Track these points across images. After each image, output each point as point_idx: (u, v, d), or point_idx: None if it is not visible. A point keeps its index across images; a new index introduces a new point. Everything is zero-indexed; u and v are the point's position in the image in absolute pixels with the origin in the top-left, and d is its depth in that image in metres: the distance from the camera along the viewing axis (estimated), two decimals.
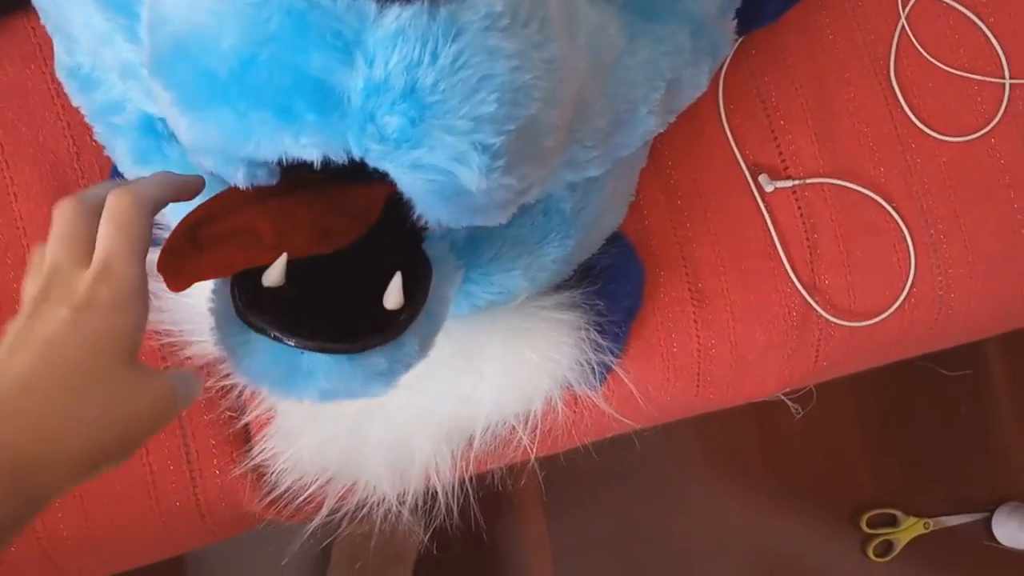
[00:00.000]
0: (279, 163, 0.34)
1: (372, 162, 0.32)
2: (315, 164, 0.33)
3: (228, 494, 0.61)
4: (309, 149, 0.32)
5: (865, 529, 1.23)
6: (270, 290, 0.36)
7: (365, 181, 0.38)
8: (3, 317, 0.56)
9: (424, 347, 0.38)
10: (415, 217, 0.35)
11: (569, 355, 0.53)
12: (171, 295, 0.51)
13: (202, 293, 0.45)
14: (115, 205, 0.35)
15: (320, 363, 0.36)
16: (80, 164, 0.58)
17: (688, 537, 1.20)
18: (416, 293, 0.37)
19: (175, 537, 0.63)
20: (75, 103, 0.48)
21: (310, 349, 0.35)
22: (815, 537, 1.24)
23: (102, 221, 0.35)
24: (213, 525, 0.63)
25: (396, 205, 0.36)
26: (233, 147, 0.32)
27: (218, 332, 0.37)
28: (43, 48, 0.60)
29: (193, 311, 0.51)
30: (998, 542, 1.25)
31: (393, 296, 0.36)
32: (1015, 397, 1.29)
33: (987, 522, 1.25)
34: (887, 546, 1.23)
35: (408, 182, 0.33)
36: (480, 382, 0.52)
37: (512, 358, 0.52)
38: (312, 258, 0.36)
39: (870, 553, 1.23)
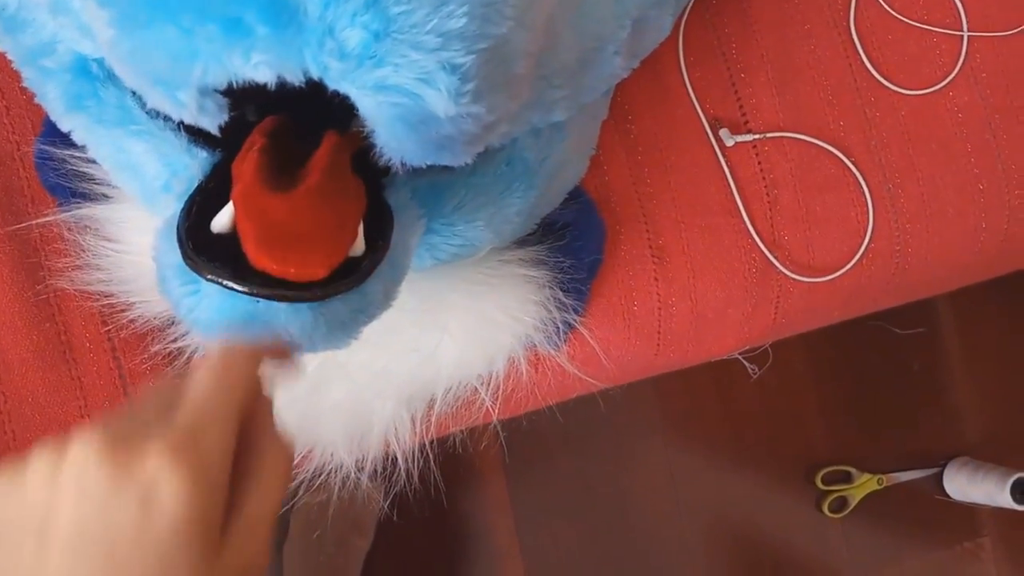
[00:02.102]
0: (230, 92, 0.31)
1: (331, 83, 0.30)
2: (269, 86, 0.30)
3: None
4: (261, 68, 0.29)
5: (820, 486, 1.25)
6: (222, 238, 0.33)
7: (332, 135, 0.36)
8: None
9: (388, 296, 0.36)
10: (375, 158, 0.33)
11: (533, 313, 0.52)
12: (111, 253, 0.48)
13: (146, 250, 0.43)
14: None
15: (278, 313, 0.34)
16: (10, 118, 0.55)
17: (647, 498, 1.20)
18: (378, 240, 0.35)
19: None
20: (0, 48, 0.44)
21: (267, 297, 0.33)
22: (772, 495, 1.25)
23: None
24: None
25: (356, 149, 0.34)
26: (179, 72, 0.30)
27: (164, 283, 0.34)
28: None
29: (137, 269, 0.48)
30: (948, 496, 1.28)
31: (356, 242, 0.34)
32: (966, 355, 1.32)
33: (938, 477, 1.28)
34: (841, 502, 1.26)
35: (370, 106, 0.30)
36: (443, 337, 0.51)
37: (476, 315, 0.51)
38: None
39: (825, 509, 1.25)
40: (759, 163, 0.67)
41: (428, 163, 0.34)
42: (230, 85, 0.31)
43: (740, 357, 0.75)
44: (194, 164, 0.39)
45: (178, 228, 0.34)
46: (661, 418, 1.22)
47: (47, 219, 0.51)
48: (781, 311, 0.69)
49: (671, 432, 1.22)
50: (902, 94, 0.70)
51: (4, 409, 0.55)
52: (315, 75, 0.30)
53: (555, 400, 0.67)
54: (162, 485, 0.27)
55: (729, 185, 0.66)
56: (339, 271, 0.34)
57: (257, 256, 0.32)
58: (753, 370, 0.75)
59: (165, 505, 0.27)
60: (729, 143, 0.66)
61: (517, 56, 0.33)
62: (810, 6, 0.69)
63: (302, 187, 0.34)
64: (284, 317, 0.34)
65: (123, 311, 0.52)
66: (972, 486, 1.23)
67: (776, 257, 0.67)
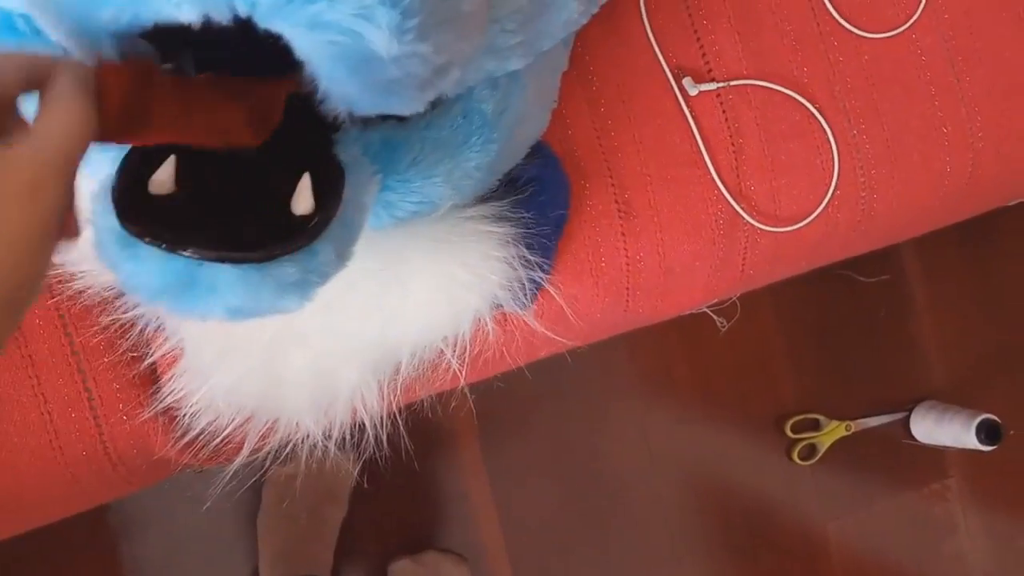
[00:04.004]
0: (156, 40, 0.29)
1: (261, 21, 0.28)
2: (193, 27, 0.28)
3: (138, 440, 0.57)
4: (185, 7, 0.27)
5: (789, 435, 1.26)
6: (161, 199, 0.32)
7: (265, 79, 0.34)
8: None
9: (341, 256, 0.35)
10: (320, 107, 0.31)
11: (499, 271, 0.51)
12: None
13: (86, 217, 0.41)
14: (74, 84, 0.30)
15: (224, 276, 0.32)
16: None
17: (620, 455, 1.21)
18: (328, 198, 0.34)
19: (87, 490, 0.59)
20: None
21: (208, 259, 0.31)
22: (742, 446, 1.26)
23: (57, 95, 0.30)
24: (126, 474, 0.60)
25: (302, 102, 0.33)
26: (94, 18, 0.28)
27: (102, 248, 0.32)
28: None
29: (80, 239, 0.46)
30: (916, 440, 1.30)
31: (302, 200, 0.33)
32: (931, 301, 1.33)
33: (905, 421, 1.30)
34: (811, 449, 1.27)
35: (306, 46, 0.28)
36: (406, 298, 0.49)
37: (439, 273, 0.49)
38: (210, 163, 0.32)
39: (795, 457, 1.26)
40: (723, 112, 0.66)
41: (378, 111, 0.32)
42: (155, 31, 0.29)
43: (708, 310, 0.75)
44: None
45: (113, 190, 0.32)
46: (631, 374, 1.22)
47: None
48: (749, 262, 0.68)
49: (642, 388, 1.22)
50: (865, 37, 0.69)
51: None
52: (243, 13, 0.28)
53: (524, 361, 0.66)
54: None
55: (694, 135, 0.65)
56: (285, 230, 0.32)
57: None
58: (721, 323, 0.75)
59: None
60: (693, 92, 0.64)
61: None
62: None
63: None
64: (229, 280, 0.32)
65: (70, 283, 0.50)
66: (939, 429, 1.25)
67: (743, 208, 0.66)
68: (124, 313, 0.51)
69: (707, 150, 0.65)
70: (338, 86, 0.30)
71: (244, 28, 0.28)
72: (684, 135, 0.65)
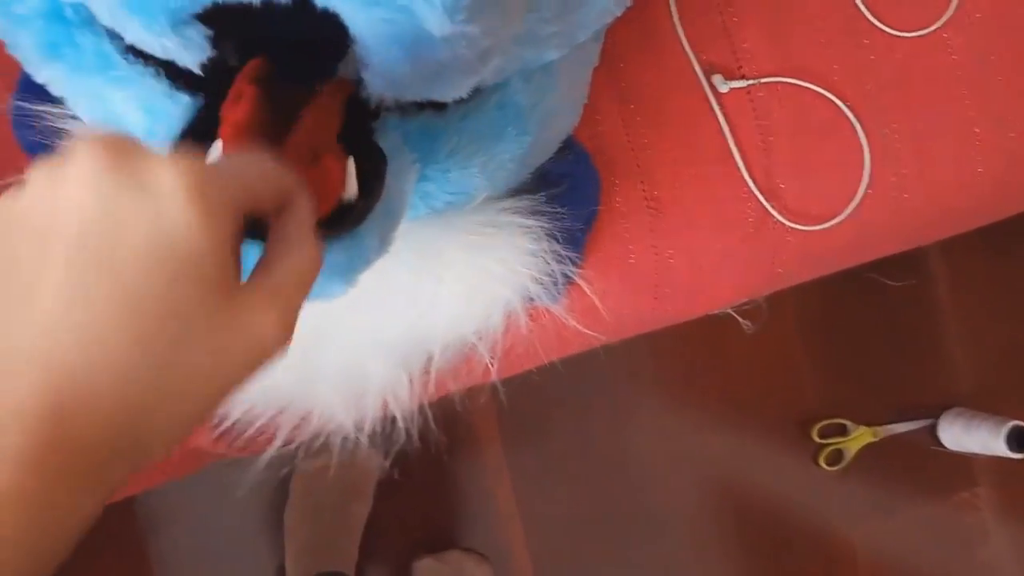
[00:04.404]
0: (210, 23, 0.30)
1: None
2: (254, 3, 0.29)
3: None
4: None
5: (816, 439, 1.25)
6: None
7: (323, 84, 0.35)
8: None
9: (383, 241, 0.35)
10: (365, 100, 0.32)
11: (531, 264, 0.51)
12: None
13: None
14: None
15: None
16: None
17: (643, 456, 1.21)
18: (372, 184, 0.34)
19: None
20: None
21: (260, 240, 0.32)
22: (767, 449, 1.26)
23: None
24: (160, 463, 0.60)
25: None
26: None
27: None
28: None
29: None
30: (944, 446, 1.28)
31: (348, 186, 0.33)
32: (958, 305, 1.32)
33: (933, 428, 1.29)
34: (837, 455, 1.26)
35: (362, 23, 0.29)
36: (439, 290, 0.50)
37: (472, 266, 0.50)
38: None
39: (821, 462, 1.25)
40: (753, 110, 0.66)
41: (423, 97, 0.33)
42: (210, 10, 0.29)
43: (733, 312, 0.75)
44: (176, 109, 0.37)
45: None
46: (656, 376, 1.22)
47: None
48: (779, 260, 0.68)
49: (667, 390, 1.22)
50: (896, 36, 0.69)
51: None
52: None
53: (555, 355, 0.66)
54: (176, 203, 0.24)
55: (724, 133, 0.65)
56: (333, 217, 0.33)
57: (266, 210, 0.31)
58: (747, 325, 0.75)
59: (179, 227, 0.24)
60: (723, 89, 0.65)
61: None
62: None
63: (291, 145, 0.33)
64: None
65: None
66: (967, 436, 1.24)
67: (773, 206, 0.66)
68: None
69: (737, 148, 0.65)
70: (388, 66, 0.31)
71: (301, 6, 0.29)
72: (714, 132, 0.65)
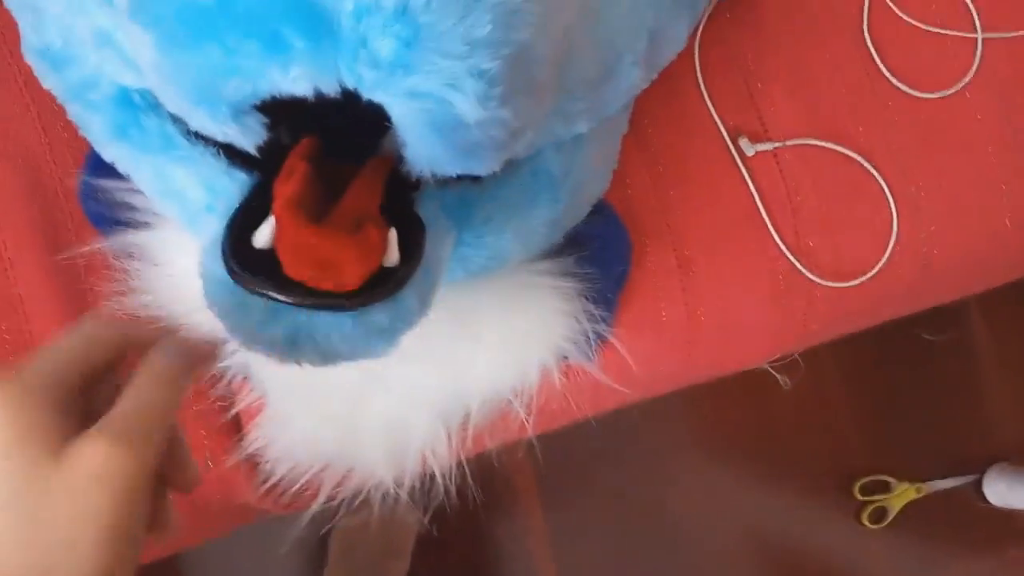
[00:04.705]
0: (268, 110, 0.33)
1: (366, 92, 0.31)
2: (307, 97, 0.32)
3: (223, 486, 0.60)
4: (300, 82, 0.31)
5: (858, 496, 1.24)
6: (263, 253, 0.35)
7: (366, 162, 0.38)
8: None
9: (423, 304, 0.38)
10: (406, 173, 0.34)
11: (564, 324, 0.53)
12: (155, 276, 0.50)
13: (188, 271, 0.45)
14: (163, 363, 0.35)
15: (320, 323, 0.35)
16: (53, 155, 0.57)
17: (682, 513, 1.20)
18: (412, 251, 0.37)
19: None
20: (46, 85, 0.47)
21: (309, 306, 0.34)
22: (808, 507, 1.24)
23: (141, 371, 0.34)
24: (209, 520, 0.62)
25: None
26: (221, 90, 0.31)
27: (210, 297, 0.36)
28: (6, 35, 0.59)
29: (180, 290, 0.50)
30: (989, 503, 1.26)
31: (390, 253, 0.36)
32: (1000, 358, 1.30)
33: (978, 484, 1.26)
34: (881, 513, 1.24)
35: (402, 113, 0.32)
36: (476, 349, 0.52)
37: (508, 325, 0.52)
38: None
39: (864, 520, 1.23)
40: (780, 171, 0.68)
41: (457, 172, 0.35)
42: (268, 102, 0.32)
43: (771, 368, 0.76)
44: (234, 186, 0.40)
45: (223, 243, 0.35)
46: (694, 431, 1.22)
47: (93, 248, 0.53)
48: (810, 318, 0.69)
49: (705, 445, 1.22)
50: (919, 98, 0.71)
51: None
52: (350, 85, 0.31)
53: (590, 412, 0.68)
54: None
55: (751, 194, 0.67)
56: (376, 281, 0.35)
57: (294, 270, 0.34)
58: (785, 381, 0.76)
59: None
60: (749, 152, 0.67)
61: (539, 62, 0.34)
62: (824, 15, 0.70)
63: (336, 215, 0.36)
64: (326, 326, 0.35)
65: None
66: (1012, 492, 1.21)
67: (802, 264, 0.67)
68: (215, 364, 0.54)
69: (765, 208, 0.67)
70: (426, 148, 0.33)
71: (348, 98, 0.32)
72: (742, 193, 0.67)
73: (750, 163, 0.67)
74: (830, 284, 0.68)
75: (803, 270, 0.67)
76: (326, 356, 0.36)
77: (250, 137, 0.35)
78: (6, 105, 0.58)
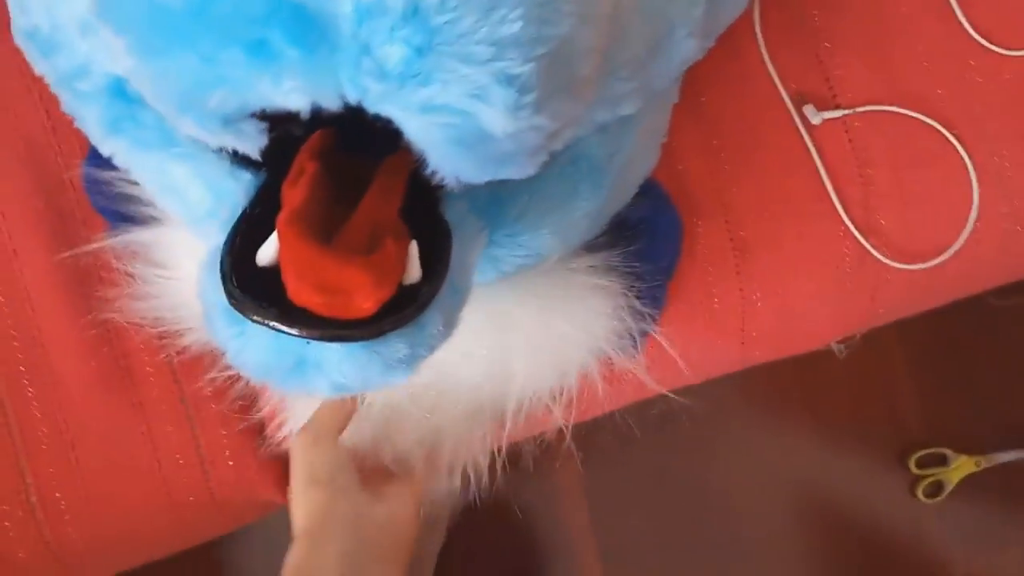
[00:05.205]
0: (265, 117, 0.28)
1: (371, 106, 0.26)
2: (302, 115, 0.27)
3: (243, 483, 0.57)
4: (293, 95, 0.26)
5: (914, 470, 1.18)
6: (268, 271, 0.30)
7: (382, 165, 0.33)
8: None
9: (448, 325, 0.33)
10: (429, 174, 0.30)
11: (606, 325, 0.48)
12: (162, 280, 0.46)
13: (190, 274, 0.41)
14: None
15: (331, 354, 0.31)
16: (57, 138, 0.53)
17: (730, 486, 1.16)
18: (435, 263, 0.32)
19: (191, 530, 0.60)
20: (38, 71, 0.42)
21: (317, 339, 0.30)
22: (862, 480, 1.19)
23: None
24: (230, 515, 0.60)
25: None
26: (205, 100, 0.27)
27: (210, 323, 0.32)
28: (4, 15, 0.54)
29: (188, 295, 0.46)
30: None
31: (411, 269, 0.31)
32: None
33: None
34: (937, 486, 1.19)
35: (418, 128, 0.27)
36: (511, 354, 0.47)
37: (545, 329, 0.47)
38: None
39: (920, 494, 1.18)
40: (850, 141, 0.61)
41: (488, 179, 0.30)
42: (264, 110, 0.28)
43: None
44: (238, 188, 0.36)
45: (221, 266, 0.31)
46: (743, 400, 1.17)
47: (99, 245, 0.49)
48: (879, 301, 0.63)
49: (754, 415, 1.17)
50: (1005, 55, 0.63)
51: (68, 436, 0.54)
52: (353, 99, 0.27)
53: (631, 402, 0.63)
54: None
55: (817, 167, 0.60)
56: (394, 302, 0.31)
57: (300, 296, 0.29)
58: (840, 350, 0.70)
59: None
60: (815, 121, 0.60)
61: (581, 55, 0.29)
62: None
63: (349, 229, 0.31)
64: (337, 358, 0.31)
65: (179, 336, 0.50)
66: None
67: (872, 244, 0.61)
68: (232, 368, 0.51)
69: (832, 182, 0.60)
70: (449, 162, 0.29)
71: (352, 113, 0.27)
72: (806, 167, 0.61)
73: (816, 133, 0.61)
74: (902, 266, 0.62)
75: (872, 251, 0.61)
76: (338, 389, 0.31)
77: (248, 143, 0.30)
78: (7, 85, 0.54)
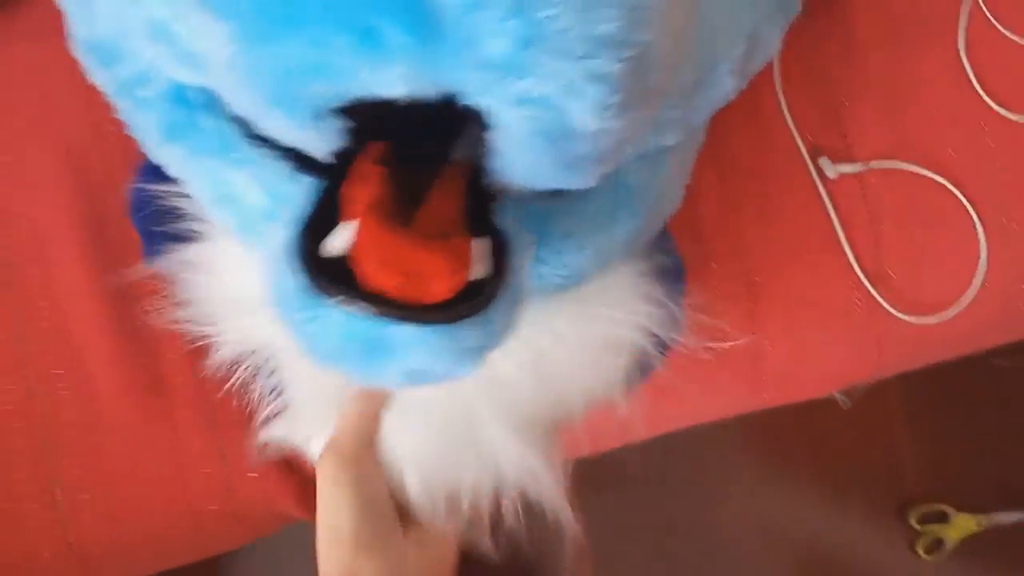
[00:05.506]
0: (352, 111, 0.29)
1: (469, 96, 0.28)
2: (398, 101, 0.28)
3: (265, 496, 0.59)
4: (396, 84, 0.27)
5: (914, 525, 1.19)
6: (333, 262, 0.31)
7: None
8: (16, 304, 0.54)
9: (510, 323, 0.33)
10: (485, 183, 0.31)
11: (626, 353, 0.49)
12: (202, 290, 0.48)
13: (235, 285, 0.42)
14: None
15: (406, 338, 0.31)
16: (100, 147, 0.55)
17: (731, 536, 1.16)
18: (499, 260, 0.33)
19: (210, 539, 0.61)
20: (95, 80, 0.43)
21: (397, 319, 0.30)
22: (862, 532, 1.20)
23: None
24: (250, 527, 0.61)
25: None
26: (303, 90, 0.28)
27: (282, 309, 0.32)
28: (56, 23, 0.57)
29: (226, 305, 0.47)
30: None
31: (478, 264, 0.32)
32: None
33: None
34: (938, 543, 1.19)
35: (511, 120, 0.28)
36: (554, 366, 0.48)
37: (586, 331, 0.48)
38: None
39: (919, 550, 1.18)
40: (863, 194, 0.63)
41: (553, 186, 0.32)
42: (352, 105, 0.29)
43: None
44: (299, 191, 0.36)
45: (299, 251, 0.32)
46: (744, 449, 1.18)
47: (141, 269, 0.51)
48: (886, 351, 0.65)
49: (754, 461, 1.18)
50: (1017, 122, 0.65)
51: (96, 439, 0.56)
52: (453, 88, 0.28)
53: (650, 434, 0.65)
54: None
55: (831, 218, 0.63)
56: (462, 295, 0.32)
57: (377, 279, 0.30)
58: (844, 401, 0.72)
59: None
60: (831, 174, 0.62)
61: (657, 66, 0.30)
62: (917, 26, 0.65)
63: (421, 221, 0.32)
64: (411, 343, 0.31)
65: (211, 345, 0.51)
66: None
67: (882, 295, 0.63)
68: (259, 376, 0.52)
69: (845, 233, 0.62)
70: (528, 158, 0.30)
71: (446, 103, 0.28)
72: (820, 217, 0.63)
73: (830, 185, 0.63)
74: (909, 319, 0.64)
75: (882, 302, 0.63)
76: (409, 376, 0.32)
77: (326, 142, 0.32)
78: (53, 93, 0.55)
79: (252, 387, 0.54)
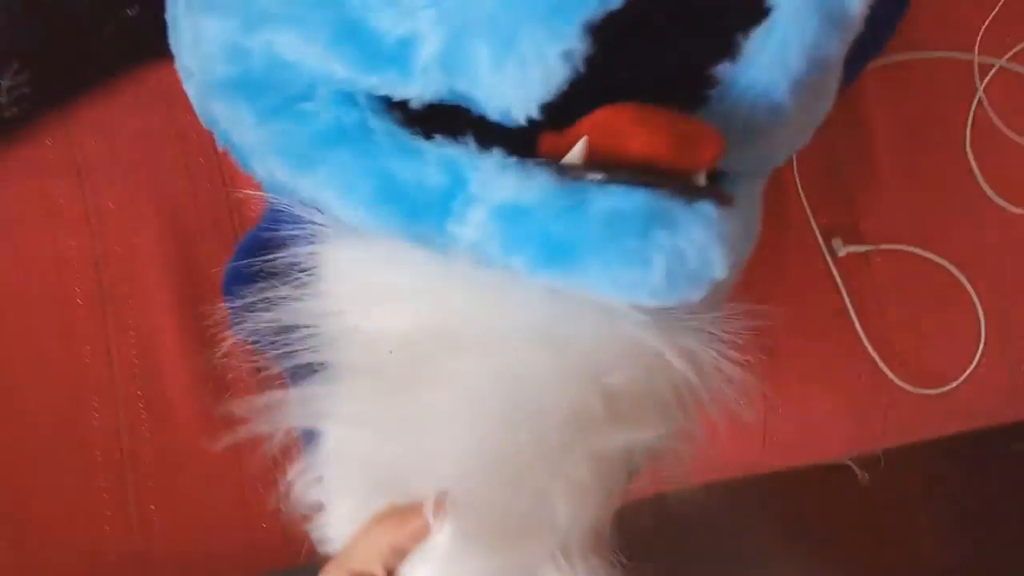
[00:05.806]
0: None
1: None
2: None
3: (287, 538, 0.63)
4: None
5: None
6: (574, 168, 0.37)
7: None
8: (111, 334, 0.60)
9: (748, 235, 0.44)
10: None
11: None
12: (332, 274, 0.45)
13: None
14: None
15: (686, 215, 0.36)
16: (196, 203, 0.63)
17: None
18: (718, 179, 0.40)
19: (261, 559, 0.65)
20: (238, 115, 0.45)
21: (691, 195, 0.35)
22: None
23: None
24: (271, 559, 0.65)
25: None
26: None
27: (546, 195, 0.36)
28: (168, 96, 0.64)
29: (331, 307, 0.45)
30: None
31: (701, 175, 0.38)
32: None
33: None
34: None
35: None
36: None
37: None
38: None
39: None
40: (871, 273, 0.69)
41: (810, 75, 0.40)
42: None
43: (850, 461, 0.75)
44: (488, 162, 0.39)
45: (573, 160, 0.37)
46: (762, 518, 1.19)
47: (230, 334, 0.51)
48: (890, 421, 0.70)
49: (771, 534, 1.19)
50: (1016, 213, 0.71)
51: (169, 458, 0.61)
52: None
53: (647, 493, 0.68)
54: None
55: (841, 293, 0.68)
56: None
57: (653, 147, 0.36)
58: (863, 475, 0.75)
59: None
60: (841, 252, 0.68)
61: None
62: (928, 123, 0.71)
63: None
64: (690, 216, 0.36)
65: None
66: None
67: (887, 367, 0.68)
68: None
69: (853, 308, 0.68)
70: (801, 34, 0.38)
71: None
72: (830, 291, 0.68)
73: (840, 262, 0.69)
74: (913, 389, 0.68)
75: (887, 372, 0.68)
76: (670, 267, 0.36)
77: (556, 77, 0.36)
78: (160, 154, 0.63)
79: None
